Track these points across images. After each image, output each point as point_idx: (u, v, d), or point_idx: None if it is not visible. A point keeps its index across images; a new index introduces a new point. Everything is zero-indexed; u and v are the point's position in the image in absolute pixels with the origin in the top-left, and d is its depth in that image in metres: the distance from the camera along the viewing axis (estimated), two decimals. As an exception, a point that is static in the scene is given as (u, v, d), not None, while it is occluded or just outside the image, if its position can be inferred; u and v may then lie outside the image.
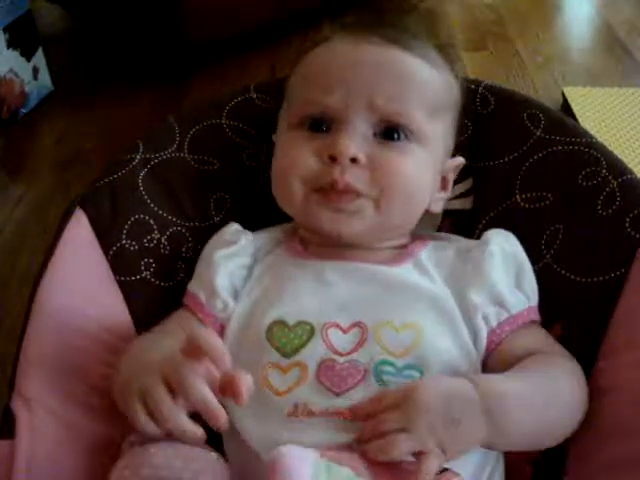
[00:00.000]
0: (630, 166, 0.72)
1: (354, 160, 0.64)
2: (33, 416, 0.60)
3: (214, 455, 0.57)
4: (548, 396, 0.60)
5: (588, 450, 0.62)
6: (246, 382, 0.53)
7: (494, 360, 0.64)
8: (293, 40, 1.70)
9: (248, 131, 0.80)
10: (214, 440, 0.61)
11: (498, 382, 0.59)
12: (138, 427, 0.54)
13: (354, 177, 0.64)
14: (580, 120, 1.34)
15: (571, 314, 0.69)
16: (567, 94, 1.43)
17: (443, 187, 0.73)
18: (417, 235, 0.72)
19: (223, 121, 0.80)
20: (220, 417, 0.53)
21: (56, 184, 1.40)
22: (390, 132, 0.66)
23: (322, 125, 0.67)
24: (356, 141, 0.64)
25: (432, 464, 0.52)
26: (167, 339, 0.62)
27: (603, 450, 0.61)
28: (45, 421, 0.60)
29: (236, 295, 0.68)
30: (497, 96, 0.79)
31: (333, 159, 0.64)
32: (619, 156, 0.73)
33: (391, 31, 0.71)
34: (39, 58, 1.57)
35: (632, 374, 0.62)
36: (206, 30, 1.57)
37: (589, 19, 1.88)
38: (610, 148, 0.74)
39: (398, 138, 0.66)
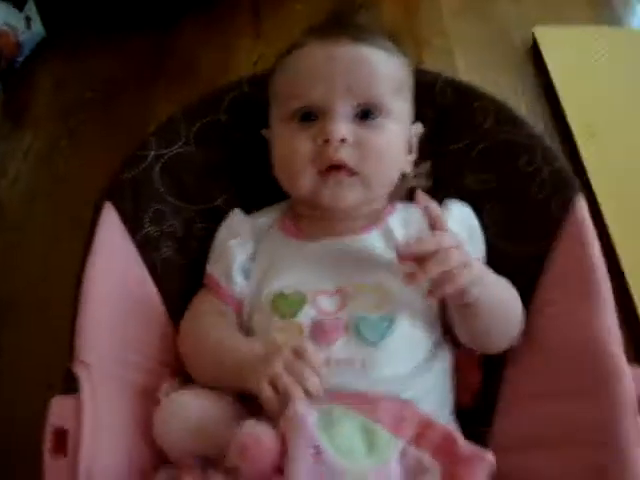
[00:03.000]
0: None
1: (343, 140, 0.80)
2: (92, 375, 0.74)
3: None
4: (512, 294, 0.80)
5: (518, 386, 0.80)
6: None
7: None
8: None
9: (244, 123, 0.95)
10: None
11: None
12: (266, 405, 0.69)
13: (345, 154, 0.80)
14: (548, 62, 1.37)
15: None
16: (537, 34, 1.44)
17: (409, 150, 0.89)
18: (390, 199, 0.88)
19: (221, 116, 0.95)
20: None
21: (60, 132, 1.50)
22: (366, 113, 0.82)
23: (311, 116, 0.82)
24: (342, 124, 0.81)
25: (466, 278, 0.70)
26: (221, 321, 0.82)
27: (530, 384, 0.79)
28: (102, 380, 0.75)
29: (247, 275, 0.85)
30: (454, 89, 0.93)
31: (326, 141, 0.80)
32: (551, 145, 0.88)
33: (353, 30, 0.85)
34: (30, 7, 1.63)
35: (546, 327, 0.79)
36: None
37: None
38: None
39: (374, 117, 0.82)
